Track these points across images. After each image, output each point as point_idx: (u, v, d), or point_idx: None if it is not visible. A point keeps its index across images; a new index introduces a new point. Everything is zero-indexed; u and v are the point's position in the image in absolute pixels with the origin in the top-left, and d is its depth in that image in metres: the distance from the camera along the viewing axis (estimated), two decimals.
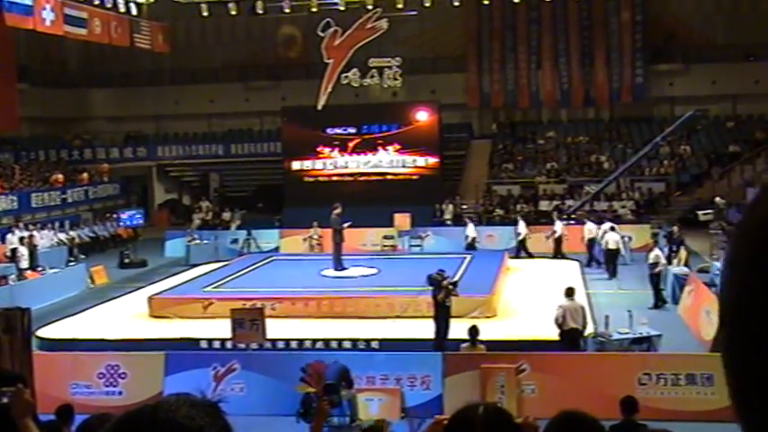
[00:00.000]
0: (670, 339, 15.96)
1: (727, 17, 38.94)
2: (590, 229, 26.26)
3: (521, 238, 27.63)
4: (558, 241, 27.05)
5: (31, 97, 38.00)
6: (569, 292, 15.49)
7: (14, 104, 36.38)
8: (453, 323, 16.30)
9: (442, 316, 16.23)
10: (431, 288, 16.64)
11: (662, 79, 39.29)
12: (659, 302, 20.12)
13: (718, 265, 21.33)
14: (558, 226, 27.41)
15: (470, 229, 28.47)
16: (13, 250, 25.81)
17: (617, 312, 16.73)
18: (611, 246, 24.29)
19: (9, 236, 27.71)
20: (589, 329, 15.74)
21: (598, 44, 39.46)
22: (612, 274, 24.05)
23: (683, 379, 13.14)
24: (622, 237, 25.67)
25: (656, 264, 20.34)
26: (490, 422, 2.45)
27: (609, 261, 24.30)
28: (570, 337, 15.06)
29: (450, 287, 16.53)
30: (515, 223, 28.75)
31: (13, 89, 36.28)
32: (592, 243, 26.04)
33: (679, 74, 38.94)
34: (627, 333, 15.55)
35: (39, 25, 27.05)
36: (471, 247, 27.88)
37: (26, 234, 27.03)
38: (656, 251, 20.88)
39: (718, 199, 31.41)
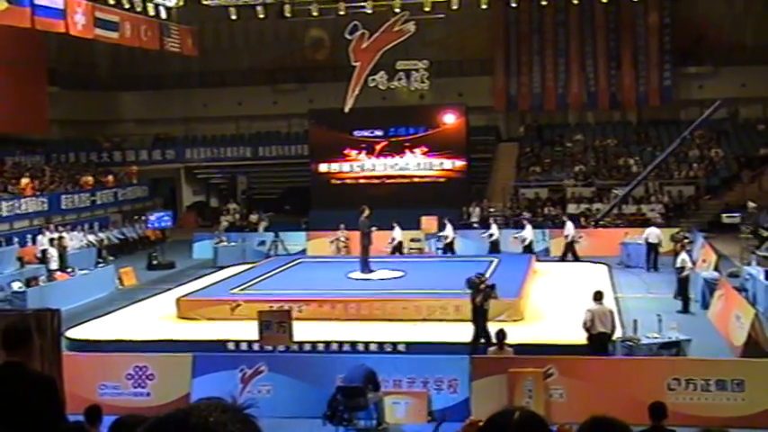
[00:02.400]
0: (700, 344, 15.79)
1: (757, 18, 38.54)
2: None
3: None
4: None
5: (61, 100, 38.40)
6: (598, 296, 15.36)
7: (45, 107, 36.81)
8: None
9: (480, 319, 16.19)
10: (469, 291, 16.60)
11: (691, 82, 38.96)
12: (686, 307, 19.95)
13: (749, 269, 21.14)
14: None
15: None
16: (44, 251, 26.08)
17: (646, 316, 16.58)
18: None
19: (39, 237, 28.04)
20: (617, 334, 15.62)
21: (625, 47, 39.19)
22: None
23: (713, 385, 12.97)
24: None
25: (682, 268, 20.15)
26: (524, 428, 2.43)
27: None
28: (598, 342, 14.94)
29: (489, 290, 16.49)
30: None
31: (43, 92, 36.73)
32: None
33: (708, 76, 38.60)
34: (656, 337, 15.41)
35: (70, 29, 27.25)
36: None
37: (56, 235, 27.25)
38: (684, 255, 20.62)
39: (750, 203, 31.05)
